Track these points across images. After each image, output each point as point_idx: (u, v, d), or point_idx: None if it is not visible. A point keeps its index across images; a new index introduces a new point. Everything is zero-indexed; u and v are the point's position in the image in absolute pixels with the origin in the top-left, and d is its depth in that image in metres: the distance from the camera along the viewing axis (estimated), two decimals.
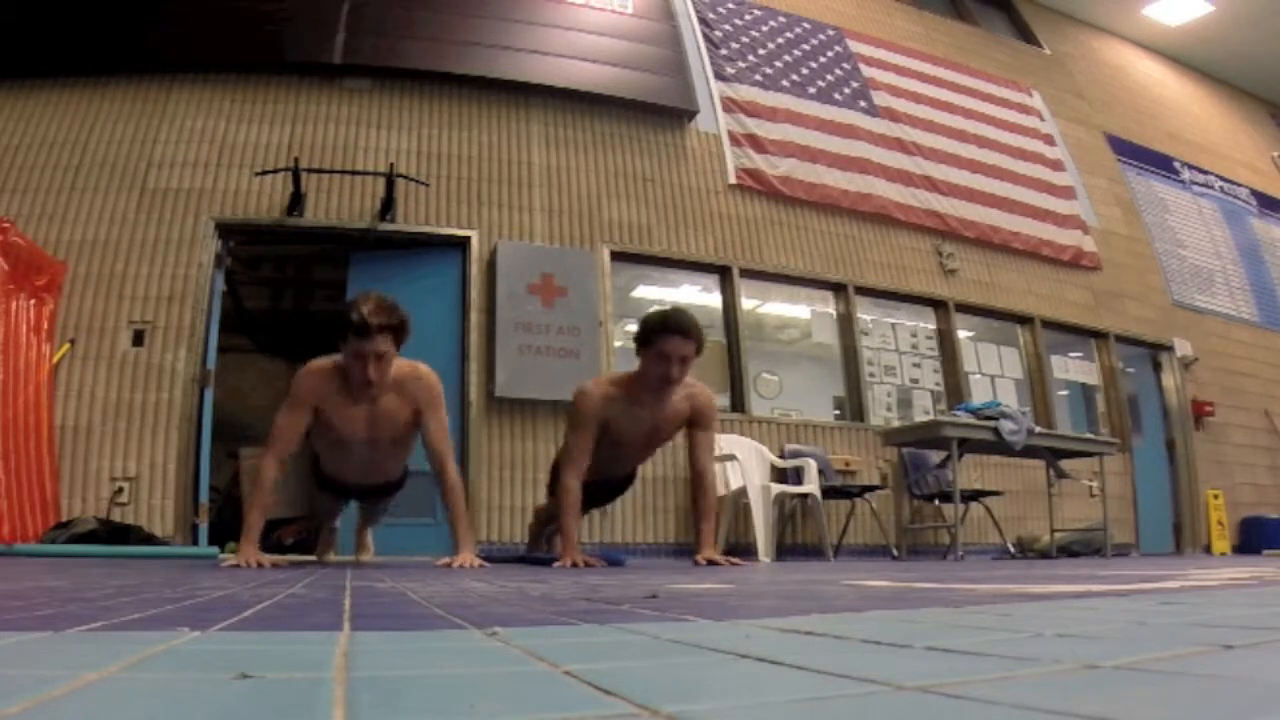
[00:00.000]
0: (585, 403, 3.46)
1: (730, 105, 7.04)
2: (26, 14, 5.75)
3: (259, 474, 3.17)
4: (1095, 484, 6.53)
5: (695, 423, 3.54)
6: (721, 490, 5.34)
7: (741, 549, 5.49)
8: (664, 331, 3.28)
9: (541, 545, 4.48)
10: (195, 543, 4.93)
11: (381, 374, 3.14)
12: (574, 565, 3.24)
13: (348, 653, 0.68)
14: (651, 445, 3.68)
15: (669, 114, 6.78)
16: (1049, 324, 7.87)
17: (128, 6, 5.95)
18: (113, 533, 4.41)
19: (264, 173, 5.60)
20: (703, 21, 7.36)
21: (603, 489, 3.84)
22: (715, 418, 3.65)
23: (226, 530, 4.90)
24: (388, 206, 5.71)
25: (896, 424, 6.58)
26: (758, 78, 7.32)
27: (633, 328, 6.52)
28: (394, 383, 3.22)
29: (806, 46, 7.81)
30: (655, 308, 3.65)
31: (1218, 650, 0.67)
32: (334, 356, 3.21)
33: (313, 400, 3.21)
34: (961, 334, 7.48)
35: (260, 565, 2.91)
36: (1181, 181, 9.92)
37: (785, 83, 7.43)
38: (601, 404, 3.43)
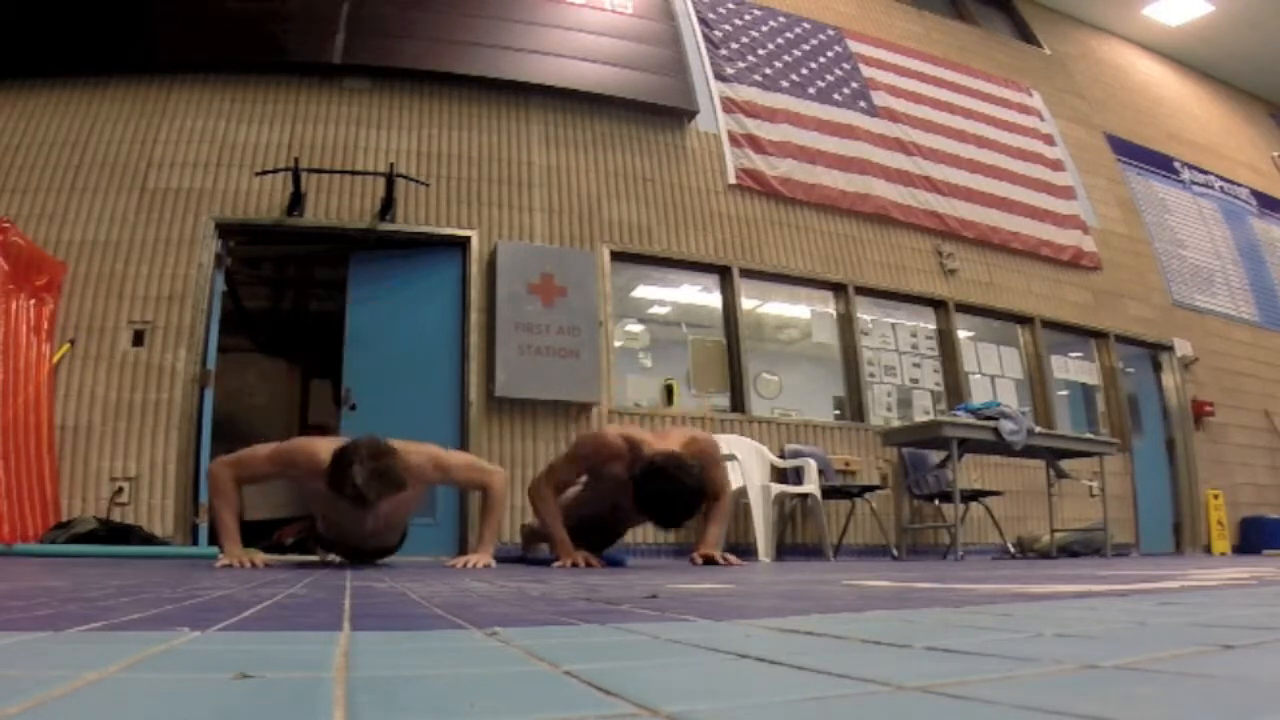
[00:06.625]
0: (589, 446, 3.49)
1: (730, 105, 7.04)
2: (26, 14, 5.75)
3: (218, 481, 3.08)
4: (1095, 484, 6.53)
5: (705, 467, 3.54)
6: None
7: (741, 549, 5.48)
8: (662, 521, 3.25)
9: (536, 548, 4.48)
10: (195, 543, 4.92)
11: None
12: (574, 565, 3.24)
13: (348, 653, 0.68)
14: None
15: (669, 114, 6.79)
16: (1049, 324, 7.87)
17: (128, 6, 5.95)
18: (113, 533, 4.41)
19: (264, 173, 5.60)
20: (703, 21, 7.36)
21: (596, 530, 3.81)
22: (719, 454, 3.64)
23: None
24: (388, 206, 5.71)
25: (896, 424, 6.58)
26: (757, 78, 7.32)
27: (633, 328, 6.58)
28: None
29: (806, 47, 7.81)
30: (660, 482, 3.14)
31: (1218, 650, 0.67)
32: (333, 446, 2.98)
33: (297, 476, 3.13)
34: (961, 334, 7.48)
35: (254, 565, 2.90)
36: (1181, 181, 9.92)
37: (785, 83, 7.43)
38: (603, 460, 3.43)
